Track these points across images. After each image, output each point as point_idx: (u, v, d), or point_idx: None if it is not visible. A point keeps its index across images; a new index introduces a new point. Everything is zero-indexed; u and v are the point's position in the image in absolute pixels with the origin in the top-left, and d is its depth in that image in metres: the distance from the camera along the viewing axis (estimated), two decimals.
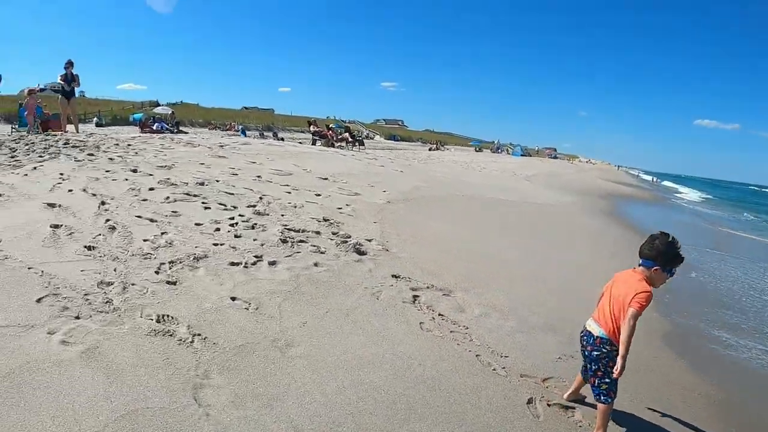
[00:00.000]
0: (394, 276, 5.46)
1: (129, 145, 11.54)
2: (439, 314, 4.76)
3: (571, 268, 7.64)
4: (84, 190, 6.86)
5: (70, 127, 16.31)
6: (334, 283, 4.94)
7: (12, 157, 9.13)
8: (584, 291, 6.24)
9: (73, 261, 4.53)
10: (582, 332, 3.53)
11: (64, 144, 10.87)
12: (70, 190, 6.80)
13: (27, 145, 10.51)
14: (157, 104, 69.54)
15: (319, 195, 8.59)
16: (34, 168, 8.15)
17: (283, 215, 6.85)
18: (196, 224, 5.91)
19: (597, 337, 3.33)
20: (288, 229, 6.23)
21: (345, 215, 7.54)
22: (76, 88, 16.00)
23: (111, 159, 9.36)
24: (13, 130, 17.36)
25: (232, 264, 4.89)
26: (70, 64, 15.41)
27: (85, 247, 4.85)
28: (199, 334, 3.57)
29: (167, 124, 28.15)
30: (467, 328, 4.61)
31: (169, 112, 37.35)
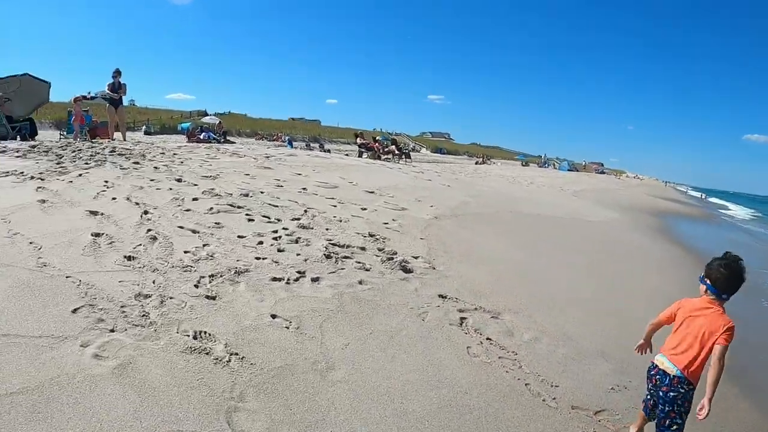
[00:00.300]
0: (440, 296, 5.32)
1: (175, 154, 11.73)
2: (487, 338, 4.60)
3: (623, 289, 7.38)
4: (127, 198, 6.95)
5: (117, 135, 16.78)
6: (378, 303, 4.82)
7: (58, 163, 9.35)
8: (637, 315, 5.98)
9: (112, 271, 4.54)
10: (652, 371, 3.31)
11: (111, 152, 11.13)
12: (114, 198, 6.90)
13: (74, 152, 10.80)
14: (205, 114, 71.58)
15: (365, 209, 8.51)
16: (80, 175, 8.32)
17: (327, 229, 6.78)
18: (239, 237, 5.89)
19: (674, 377, 3.12)
20: (332, 244, 6.15)
21: (391, 231, 7.42)
22: (123, 97, 16.45)
23: (156, 168, 9.50)
24: (61, 136, 17.98)
25: (274, 279, 4.83)
26: (117, 73, 15.87)
27: (125, 257, 4.87)
28: (237, 354, 3.50)
29: (214, 134, 28.68)
30: (516, 353, 4.44)
31: (217, 122, 38.11)
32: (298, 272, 5.07)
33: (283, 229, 6.41)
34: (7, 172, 8.47)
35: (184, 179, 8.61)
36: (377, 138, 34.13)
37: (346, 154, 26.99)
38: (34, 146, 11.39)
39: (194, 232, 5.84)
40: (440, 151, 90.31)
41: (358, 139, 29.86)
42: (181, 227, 5.94)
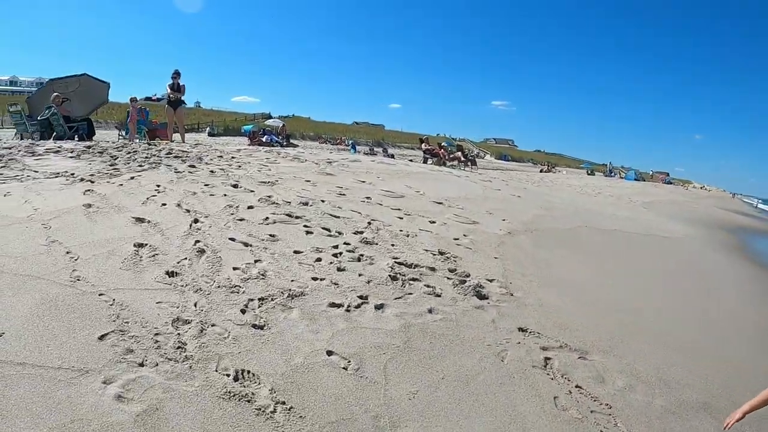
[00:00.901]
0: (520, 329, 4.71)
1: (233, 157, 11.48)
2: (576, 386, 3.97)
3: (721, 322, 6.59)
4: (178, 204, 6.64)
5: (177, 137, 16.84)
6: (451, 338, 4.26)
7: (111, 165, 9.22)
8: (742, 358, 5.23)
9: (151, 289, 4.16)
10: None
11: (167, 154, 10.97)
12: (164, 204, 6.61)
13: (129, 153, 10.69)
14: (269, 117, 73.16)
15: (433, 222, 7.94)
16: (132, 178, 8.12)
17: (393, 245, 6.26)
18: (295, 252, 5.44)
19: None
20: (399, 263, 5.62)
21: (462, 248, 6.84)
22: (182, 98, 16.50)
23: (212, 172, 9.24)
24: (120, 137, 18.22)
25: (333, 305, 4.33)
26: (177, 74, 15.94)
27: (167, 273, 4.49)
28: (284, 403, 3.02)
29: (277, 137, 28.78)
30: (610, 406, 3.80)
31: (280, 124, 38.45)
32: (360, 297, 4.57)
33: (345, 244, 5.92)
34: (58, 173, 8.38)
35: (241, 185, 8.28)
36: (442, 144, 33.77)
37: (411, 160, 26.56)
38: (89, 147, 11.37)
39: (246, 245, 5.43)
40: (504, 158, 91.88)
41: (424, 144, 29.46)
42: (232, 239, 5.54)
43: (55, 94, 14.90)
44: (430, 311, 4.60)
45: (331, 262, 5.28)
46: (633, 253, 10.20)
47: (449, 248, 6.63)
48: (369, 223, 6.99)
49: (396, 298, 4.71)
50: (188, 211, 6.42)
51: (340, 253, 5.58)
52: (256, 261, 5.01)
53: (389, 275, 5.15)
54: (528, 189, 17.54)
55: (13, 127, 15.80)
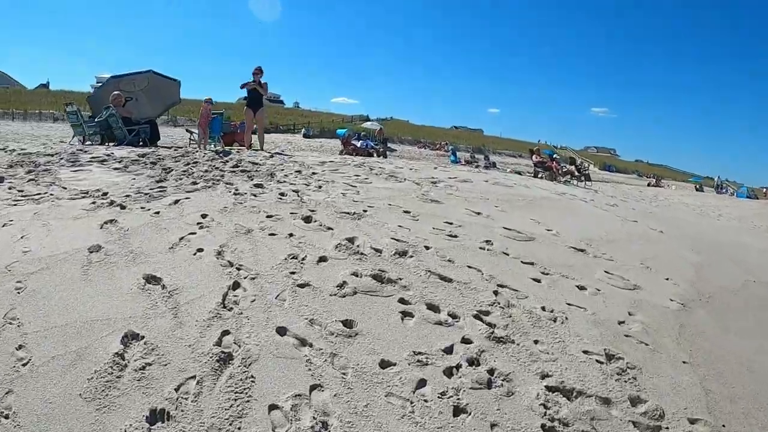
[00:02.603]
0: None
1: (314, 173, 9.64)
2: None
3: None
4: (219, 253, 4.86)
5: (255, 141, 15.46)
6: None
7: (158, 181, 7.68)
8: None
9: None
10: None
11: (233, 167, 9.33)
12: (199, 251, 4.87)
13: (187, 165, 9.12)
14: (367, 119, 73.22)
15: (583, 289, 5.66)
16: (175, 202, 6.51)
17: (537, 342, 4.12)
18: (382, 364, 3.43)
19: None
20: (552, 388, 3.51)
21: (635, 342, 4.57)
22: (264, 98, 14.91)
23: (282, 195, 7.43)
24: (191, 141, 17.14)
25: None
26: (258, 71, 14.33)
27: (150, 414, 2.66)
28: None
29: (373, 142, 27.29)
30: None
31: (378, 128, 37.20)
32: None
33: (463, 342, 3.84)
34: (87, 192, 6.92)
35: (316, 218, 6.38)
36: (555, 156, 31.72)
37: (519, 173, 24.29)
38: (143, 155, 9.94)
39: (303, 344, 3.50)
40: (609, 169, 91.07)
41: (534, 156, 27.26)
42: (282, 331, 3.62)
43: (116, 93, 13.65)
44: None
45: (442, 393, 3.19)
46: None
47: (617, 344, 4.43)
48: (495, 294, 4.88)
49: None
50: (230, 264, 4.63)
51: (458, 367, 3.50)
52: (312, 388, 3.06)
53: (541, 426, 3.07)
54: (655, 214, 14.94)
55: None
